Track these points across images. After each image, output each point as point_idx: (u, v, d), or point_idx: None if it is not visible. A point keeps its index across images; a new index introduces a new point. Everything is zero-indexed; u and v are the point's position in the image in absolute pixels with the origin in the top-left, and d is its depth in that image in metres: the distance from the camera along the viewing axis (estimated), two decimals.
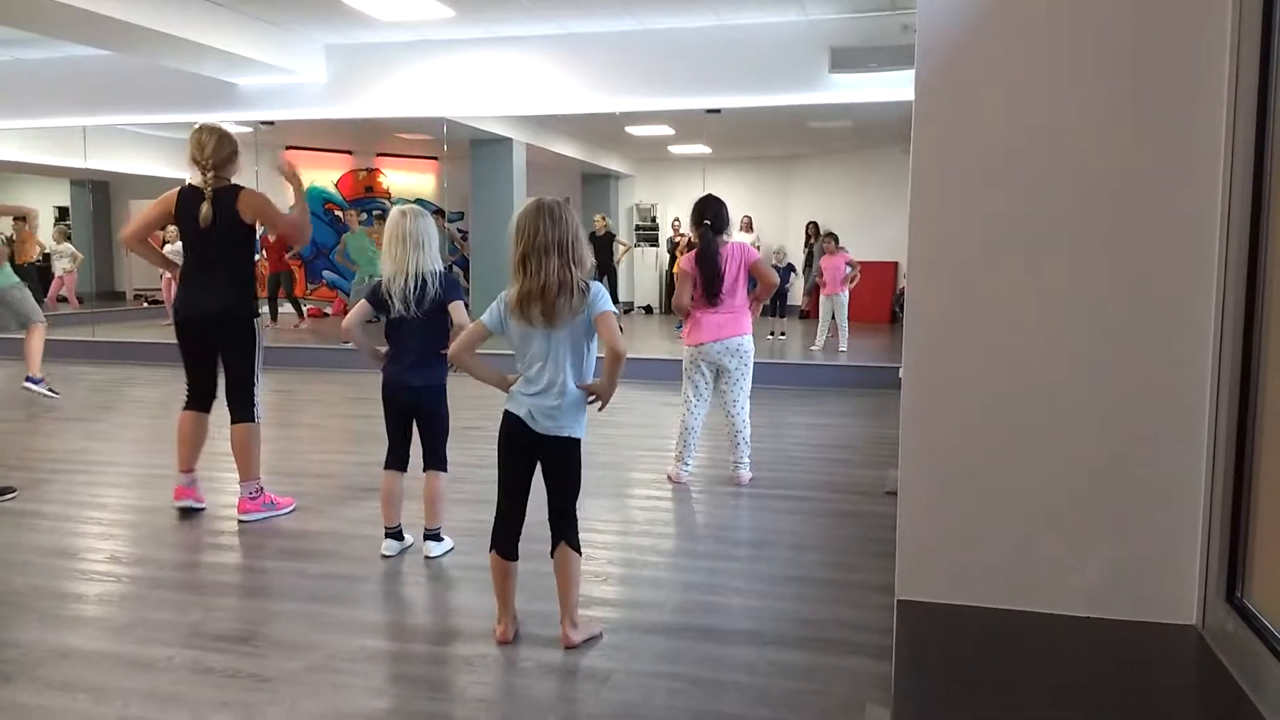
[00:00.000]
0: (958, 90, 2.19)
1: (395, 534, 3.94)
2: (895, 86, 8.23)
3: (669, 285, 14.78)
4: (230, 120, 11.03)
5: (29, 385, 7.13)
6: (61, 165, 13.32)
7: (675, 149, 15.52)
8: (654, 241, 17.18)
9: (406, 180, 16.86)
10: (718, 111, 9.93)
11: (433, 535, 3.91)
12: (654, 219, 17.65)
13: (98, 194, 15.05)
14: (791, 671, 2.89)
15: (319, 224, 16.49)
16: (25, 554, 3.95)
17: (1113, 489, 2.11)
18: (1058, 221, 2.13)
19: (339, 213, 16.40)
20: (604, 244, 13.30)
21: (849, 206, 15.75)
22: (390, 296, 3.73)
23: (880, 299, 14.54)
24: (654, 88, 9.30)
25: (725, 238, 5.07)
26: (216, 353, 4.44)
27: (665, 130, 13.07)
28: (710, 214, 5.06)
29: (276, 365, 9.71)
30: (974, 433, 2.22)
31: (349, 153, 16.52)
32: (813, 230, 15.27)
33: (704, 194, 5.25)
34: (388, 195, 16.48)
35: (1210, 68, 1.99)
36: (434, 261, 3.77)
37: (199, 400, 4.51)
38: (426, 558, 3.86)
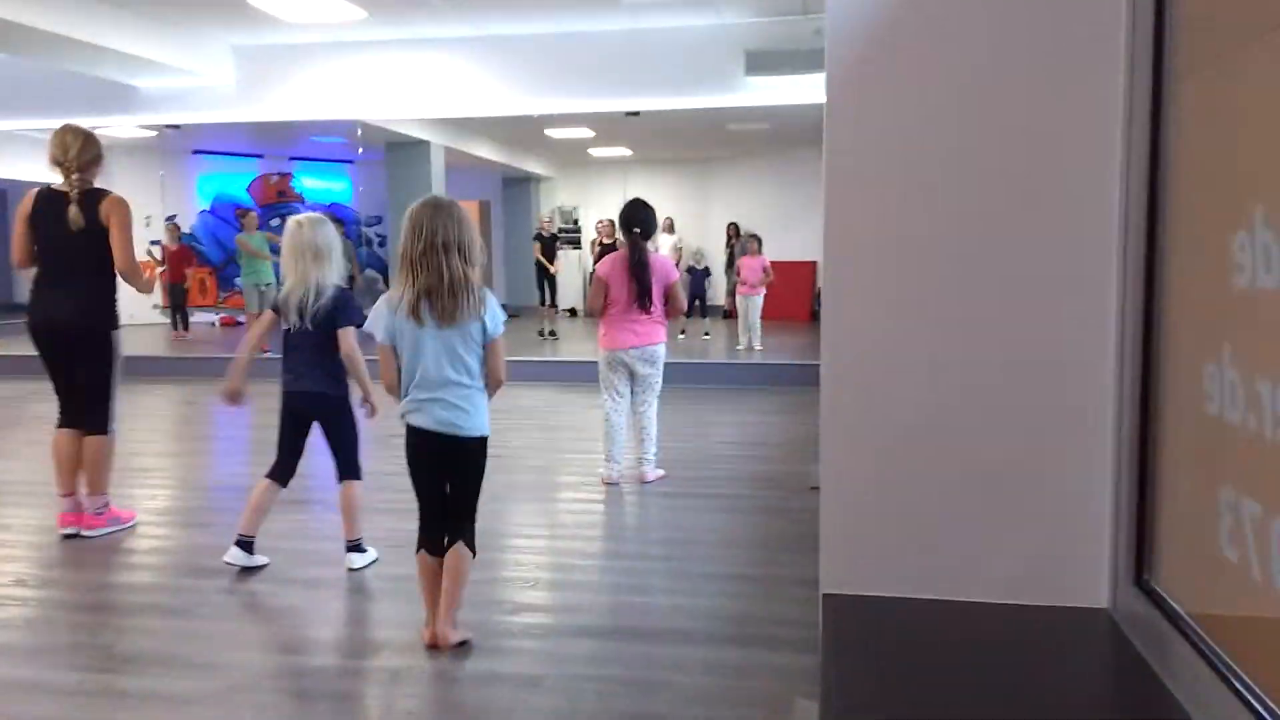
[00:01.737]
0: (866, 92, 2.24)
1: (246, 544, 3.77)
2: (810, 89, 8.37)
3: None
4: (132, 123, 10.66)
5: None
6: None
7: (596, 151, 15.53)
8: (576, 244, 17.15)
9: (321, 184, 16.51)
10: (637, 114, 9.97)
11: (354, 546, 3.83)
12: (576, 221, 17.63)
13: None
14: (721, 669, 2.91)
15: (230, 229, 16.04)
16: None
17: (1027, 480, 2.18)
18: (966, 221, 2.19)
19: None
20: (549, 245, 13.12)
21: (768, 207, 15.97)
22: (288, 308, 3.66)
23: (799, 298, 14.77)
24: (573, 90, 9.29)
25: (652, 245, 5.11)
26: (74, 362, 4.20)
27: (585, 133, 13.07)
28: (639, 220, 5.07)
29: (185, 375, 9.42)
30: (893, 428, 2.26)
31: (259, 156, 16.09)
32: (733, 231, 15.42)
33: (632, 198, 5.26)
34: (300, 199, 16.12)
35: (1106, 63, 2.07)
36: (333, 274, 3.69)
37: (70, 417, 4.28)
38: (349, 569, 3.78)
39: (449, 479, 3.04)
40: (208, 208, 16.23)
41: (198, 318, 14.35)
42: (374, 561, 3.86)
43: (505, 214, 17.54)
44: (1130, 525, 2.02)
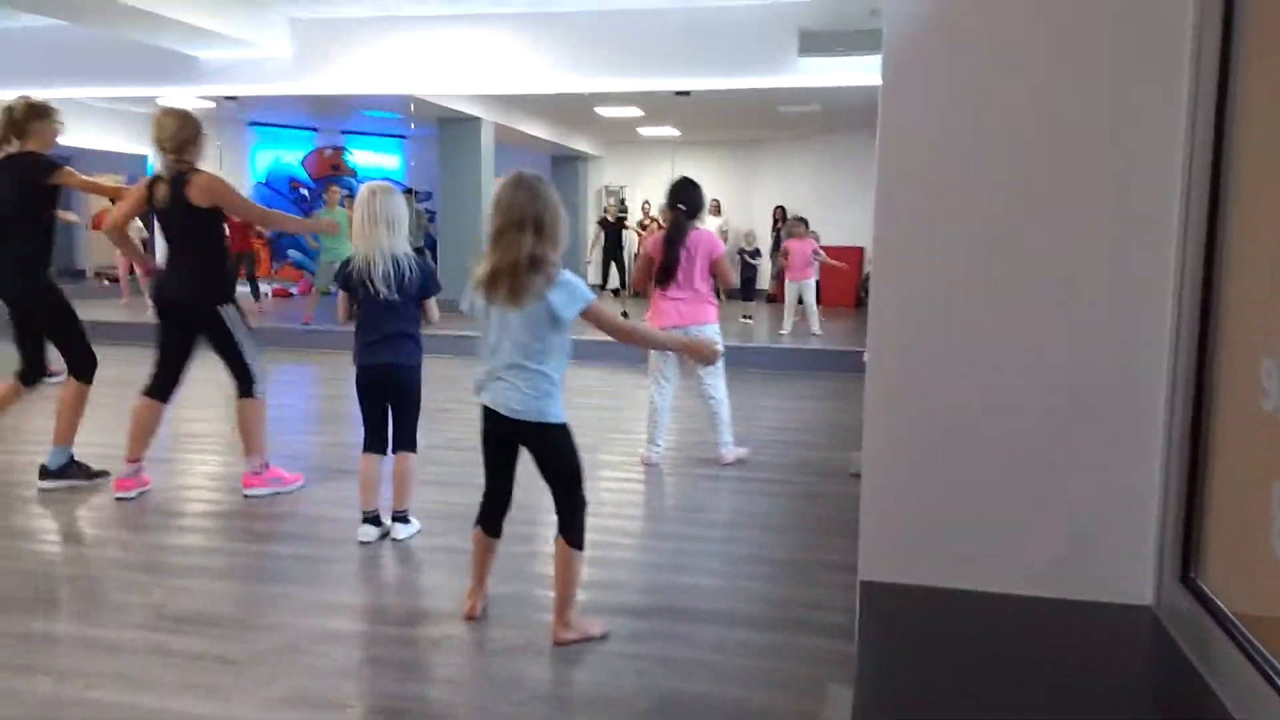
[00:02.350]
0: (924, 75, 2.21)
1: (373, 519, 3.87)
2: (863, 71, 8.25)
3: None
4: (192, 94, 10.83)
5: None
6: None
7: (644, 131, 15.48)
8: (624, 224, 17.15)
9: (373, 159, 16.67)
10: (687, 94, 9.91)
11: (400, 517, 3.89)
12: (623, 200, 17.64)
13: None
14: (759, 651, 2.92)
15: (284, 202, 16.28)
16: None
17: (1070, 470, 2.15)
18: (1020, 208, 2.16)
19: (304, 190, 16.21)
20: (615, 231, 13.15)
21: (816, 191, 15.80)
22: (366, 278, 3.65)
23: (846, 283, 14.62)
24: (624, 69, 9.26)
25: (697, 223, 5.07)
26: (190, 341, 4.40)
27: (635, 112, 13.03)
28: (685, 198, 5.05)
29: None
30: (936, 415, 2.24)
31: (314, 130, 16.28)
32: (780, 215, 15.30)
33: (680, 176, 5.24)
34: (353, 173, 16.29)
35: (1171, 51, 2.02)
36: (404, 243, 3.72)
37: (158, 389, 4.43)
38: (393, 539, 3.85)
39: (509, 459, 2.98)
40: (263, 180, 16.47)
41: (248, 289, 14.60)
42: (417, 532, 3.92)
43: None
44: (1178, 520, 1.98)
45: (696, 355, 3.38)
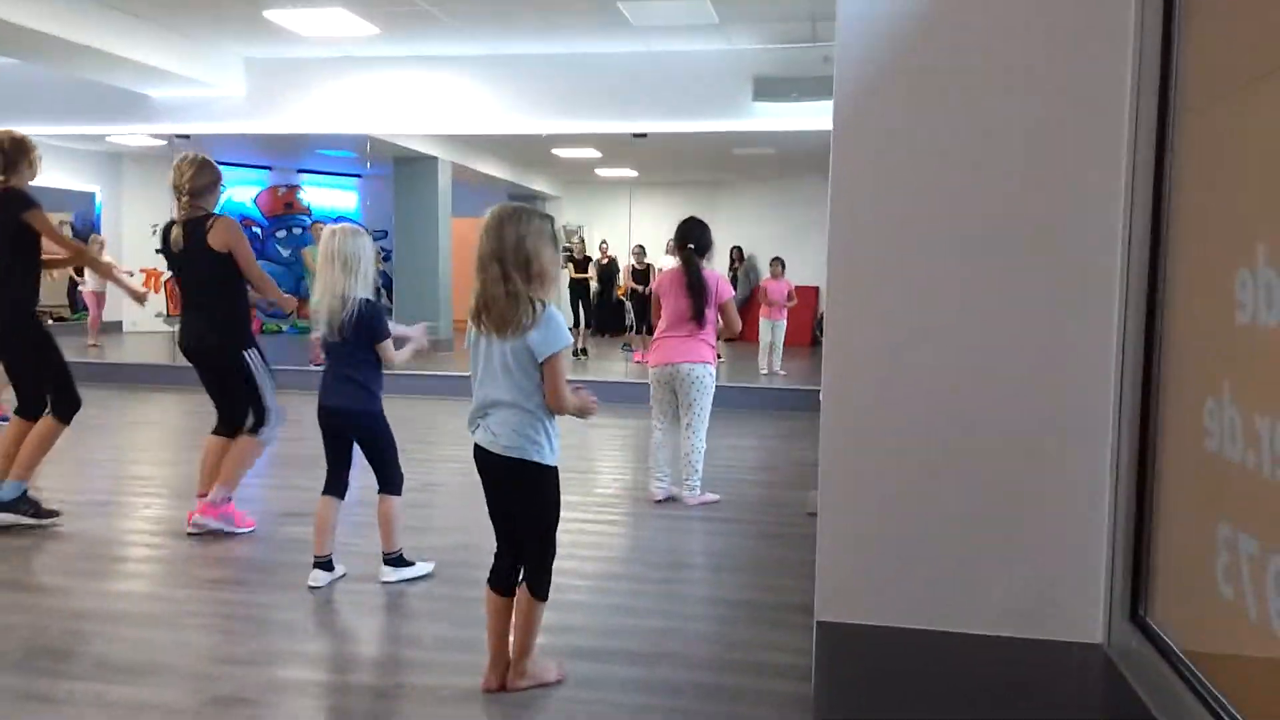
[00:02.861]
0: (873, 119, 2.25)
1: (325, 564, 3.78)
2: (817, 116, 8.41)
3: (599, 305, 14.73)
4: (144, 132, 10.71)
5: None
6: None
7: (602, 172, 15.59)
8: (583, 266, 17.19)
9: (327, 197, 16.57)
10: (644, 136, 10.01)
11: (390, 560, 3.84)
12: (581, 240, 17.68)
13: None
14: (715, 693, 2.89)
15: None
16: None
17: (1023, 513, 2.18)
18: (969, 251, 2.20)
19: (256, 229, 16.05)
20: (582, 266, 13.20)
21: (771, 231, 15.99)
22: (317, 318, 3.63)
23: (802, 323, 14.77)
24: (580, 111, 9.34)
25: (706, 262, 5.07)
26: (210, 378, 4.43)
27: (592, 153, 13.12)
28: (694, 237, 5.06)
29: (186, 385, 9.40)
30: (891, 457, 2.26)
31: (268, 168, 16.16)
32: (736, 254, 15.46)
33: (689, 216, 5.26)
34: (307, 212, 16.17)
35: (1111, 97, 2.08)
36: (361, 287, 3.62)
37: (219, 424, 4.47)
38: (382, 582, 3.78)
39: (507, 505, 2.84)
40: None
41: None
42: (419, 576, 3.84)
43: None
44: (1126, 560, 2.01)
45: (583, 414, 2.93)
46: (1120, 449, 2.07)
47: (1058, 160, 2.14)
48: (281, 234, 15.97)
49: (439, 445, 6.44)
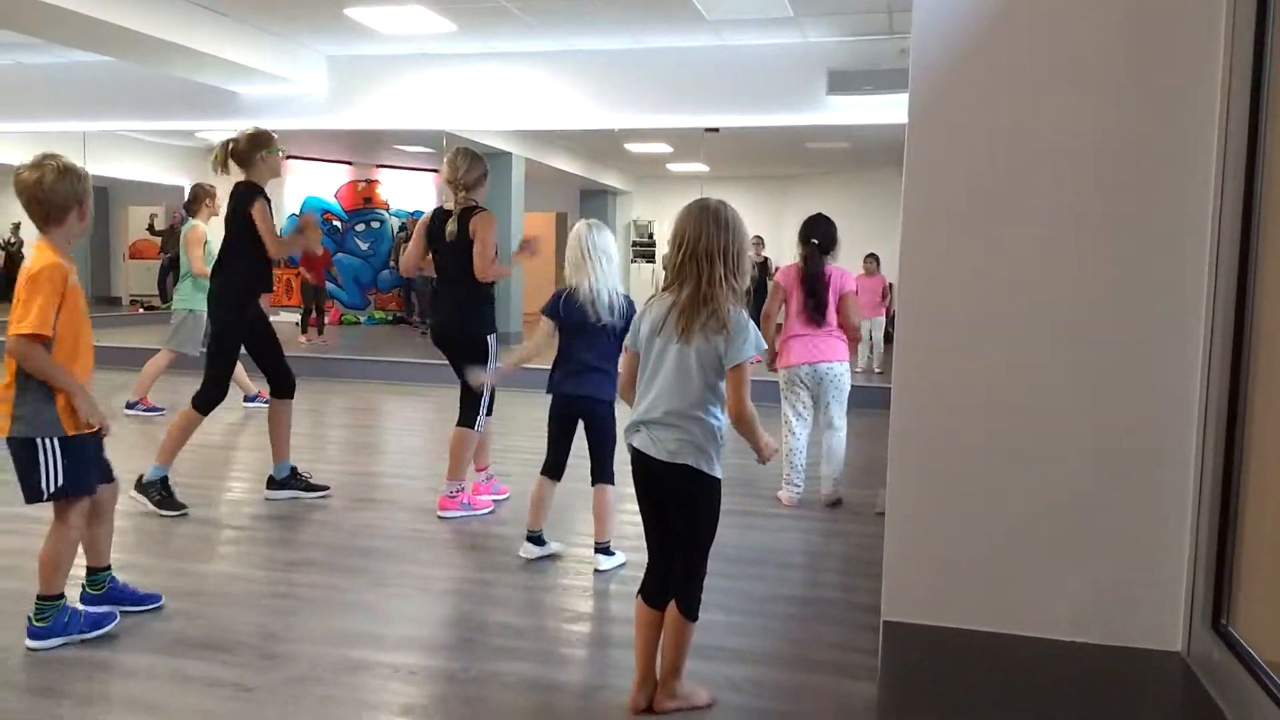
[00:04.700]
0: (950, 113, 2.21)
1: (536, 539, 3.97)
2: (891, 109, 8.28)
3: None
4: (230, 128, 11.04)
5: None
6: None
7: (673, 166, 15.59)
8: (651, 258, 17.24)
9: (405, 192, 16.88)
10: (716, 130, 9.99)
11: (601, 549, 3.92)
12: (651, 235, 17.72)
13: (97, 200, 14.96)
14: (777, 691, 2.88)
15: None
16: (13, 558, 3.92)
17: (1099, 515, 2.11)
18: (1048, 246, 2.15)
19: (337, 223, 16.43)
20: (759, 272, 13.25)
21: (844, 227, 15.76)
22: (589, 305, 3.74)
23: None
24: (653, 105, 9.35)
25: (830, 259, 5.01)
26: (457, 363, 4.62)
27: (663, 148, 13.12)
28: (819, 233, 5.02)
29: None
30: (962, 456, 2.22)
31: (348, 163, 16.53)
32: (759, 243, 15.35)
33: (815, 212, 5.19)
34: (386, 206, 16.50)
35: (1201, 90, 2.01)
36: (616, 278, 3.82)
37: (459, 413, 4.63)
38: (595, 570, 3.87)
39: (666, 515, 2.66)
40: (297, 212, 16.72)
41: (282, 317, 14.70)
42: (622, 565, 3.92)
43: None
44: (1209, 565, 1.94)
45: (759, 449, 2.67)
46: (1205, 453, 2.00)
47: (1142, 160, 2.07)
48: (360, 227, 16.31)
49: (507, 436, 6.51)
